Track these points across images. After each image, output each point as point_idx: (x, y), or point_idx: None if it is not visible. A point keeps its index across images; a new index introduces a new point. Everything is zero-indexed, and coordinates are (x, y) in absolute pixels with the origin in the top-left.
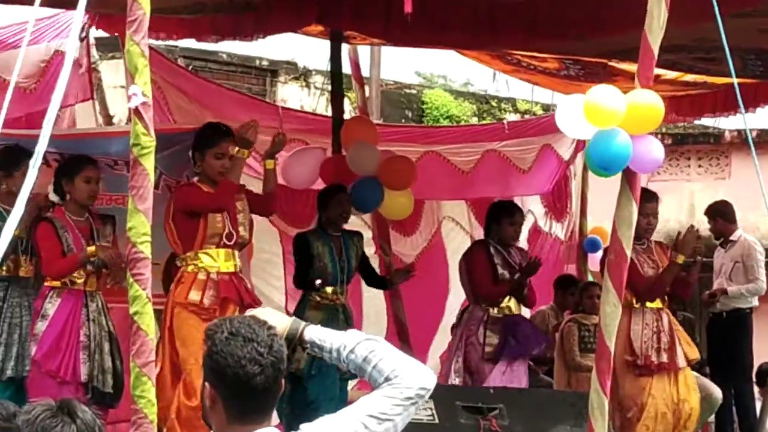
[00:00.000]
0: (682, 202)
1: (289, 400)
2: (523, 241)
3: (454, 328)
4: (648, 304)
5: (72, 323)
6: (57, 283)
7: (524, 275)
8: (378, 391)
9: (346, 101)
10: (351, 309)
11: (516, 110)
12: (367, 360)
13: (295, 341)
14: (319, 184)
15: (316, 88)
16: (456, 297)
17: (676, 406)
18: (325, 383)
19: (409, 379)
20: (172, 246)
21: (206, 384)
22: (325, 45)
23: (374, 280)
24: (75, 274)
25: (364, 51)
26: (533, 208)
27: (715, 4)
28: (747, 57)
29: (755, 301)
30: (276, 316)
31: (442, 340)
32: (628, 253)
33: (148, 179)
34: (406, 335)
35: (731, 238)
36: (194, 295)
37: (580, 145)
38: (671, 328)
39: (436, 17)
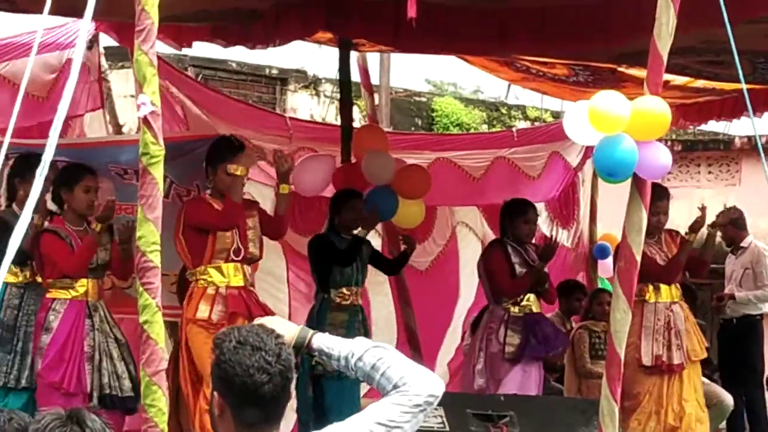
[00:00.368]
0: (692, 209)
1: (312, 404)
2: None
3: (474, 329)
4: (660, 298)
5: (75, 335)
6: (59, 294)
7: (543, 260)
8: (386, 398)
9: (355, 109)
10: (365, 312)
11: (526, 117)
12: (376, 368)
13: (303, 349)
14: (329, 191)
15: (325, 96)
16: (464, 304)
17: (679, 405)
18: (343, 390)
19: (417, 386)
20: (183, 259)
21: (214, 393)
22: (334, 53)
23: (393, 264)
24: (76, 283)
25: (373, 59)
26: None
27: (724, 11)
28: (756, 61)
29: (766, 308)
30: (284, 324)
31: (449, 346)
32: (638, 259)
33: (158, 188)
34: (416, 343)
35: (742, 244)
36: (203, 311)
37: (588, 152)
38: (683, 322)
39: (445, 24)
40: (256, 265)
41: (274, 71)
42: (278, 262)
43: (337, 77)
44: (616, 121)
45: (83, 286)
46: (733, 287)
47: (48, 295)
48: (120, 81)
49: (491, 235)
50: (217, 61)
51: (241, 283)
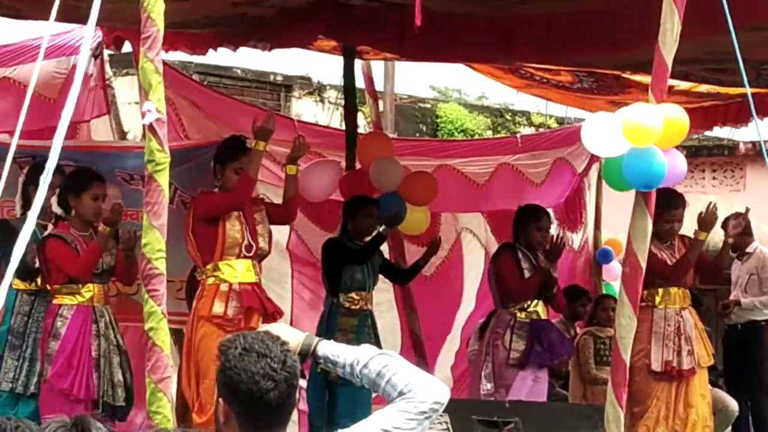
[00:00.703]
0: (697, 214)
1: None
2: None
3: (481, 334)
4: (670, 303)
5: (83, 341)
6: (65, 300)
7: (549, 260)
8: (392, 405)
9: (360, 116)
10: (375, 318)
11: (530, 123)
12: (381, 375)
13: (308, 356)
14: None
15: (330, 102)
16: (465, 310)
17: (685, 412)
18: (356, 397)
19: (422, 393)
20: (194, 258)
21: (220, 399)
22: (339, 59)
23: (403, 274)
24: (82, 288)
25: (377, 65)
26: None
27: (728, 17)
28: (760, 68)
29: None
30: (289, 331)
31: (449, 352)
32: (643, 265)
33: (163, 195)
34: (421, 349)
35: (747, 250)
36: (218, 307)
37: (594, 157)
38: (692, 328)
39: (449, 32)
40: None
41: (279, 78)
42: (284, 269)
43: (342, 84)
44: (651, 133)
45: (89, 291)
46: (738, 293)
47: (55, 301)
48: (124, 88)
49: (493, 242)
50: (221, 67)
51: (253, 279)
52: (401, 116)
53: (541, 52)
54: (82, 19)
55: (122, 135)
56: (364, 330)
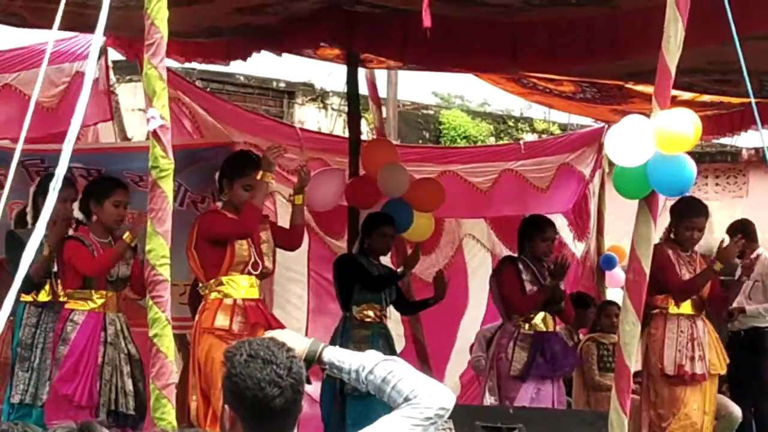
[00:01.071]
0: (718, 245)
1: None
2: None
3: (488, 346)
4: (683, 310)
5: (90, 347)
6: (77, 306)
7: (554, 279)
8: (397, 411)
9: (363, 122)
10: (390, 333)
11: (533, 130)
12: (386, 381)
13: (313, 362)
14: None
15: (333, 109)
16: (471, 318)
17: (703, 417)
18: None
19: (428, 399)
20: (195, 273)
21: (225, 406)
22: (342, 66)
23: (411, 307)
24: (95, 294)
25: (381, 72)
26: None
27: (731, 23)
28: (764, 78)
29: None
30: (295, 337)
31: (461, 360)
32: (647, 271)
33: (167, 202)
34: (425, 356)
35: (751, 256)
36: (222, 321)
37: (597, 163)
38: (705, 335)
39: (453, 40)
40: (274, 268)
41: (282, 84)
42: (301, 270)
43: (345, 90)
44: (686, 140)
45: (102, 297)
46: (742, 300)
47: (67, 306)
48: (128, 94)
49: (500, 246)
50: (224, 74)
51: (257, 296)
52: (404, 123)
53: (544, 60)
54: (87, 27)
55: (126, 141)
56: (378, 341)
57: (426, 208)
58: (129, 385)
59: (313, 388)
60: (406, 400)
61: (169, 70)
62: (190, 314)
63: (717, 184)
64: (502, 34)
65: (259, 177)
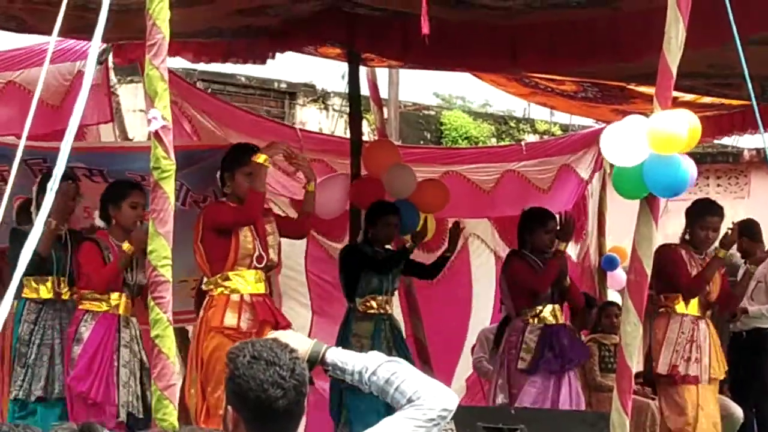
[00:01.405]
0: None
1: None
2: None
3: (495, 345)
4: (690, 310)
5: (105, 347)
6: (91, 307)
7: (562, 239)
8: (400, 412)
9: (364, 123)
10: (397, 320)
11: (535, 131)
12: (390, 382)
13: (316, 364)
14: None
15: (334, 110)
16: (478, 316)
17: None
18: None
19: (431, 400)
20: (201, 268)
21: (228, 407)
22: (343, 66)
23: (431, 269)
24: (110, 296)
25: (382, 73)
26: None
27: (733, 25)
28: (765, 84)
29: None
30: (298, 338)
31: (466, 362)
32: (648, 272)
33: (169, 202)
34: (426, 355)
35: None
36: (230, 319)
37: (597, 164)
38: (706, 338)
39: (454, 40)
40: (279, 268)
41: (283, 85)
42: (299, 269)
43: (346, 91)
44: (679, 141)
45: (116, 300)
46: (745, 300)
47: (81, 307)
48: (129, 95)
49: (503, 247)
50: (225, 75)
51: (263, 291)
52: (405, 124)
53: (545, 61)
54: (88, 31)
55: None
56: (380, 335)
57: (432, 209)
58: (140, 390)
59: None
60: (410, 401)
61: (169, 71)
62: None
63: (718, 185)
64: (502, 36)
65: (256, 159)
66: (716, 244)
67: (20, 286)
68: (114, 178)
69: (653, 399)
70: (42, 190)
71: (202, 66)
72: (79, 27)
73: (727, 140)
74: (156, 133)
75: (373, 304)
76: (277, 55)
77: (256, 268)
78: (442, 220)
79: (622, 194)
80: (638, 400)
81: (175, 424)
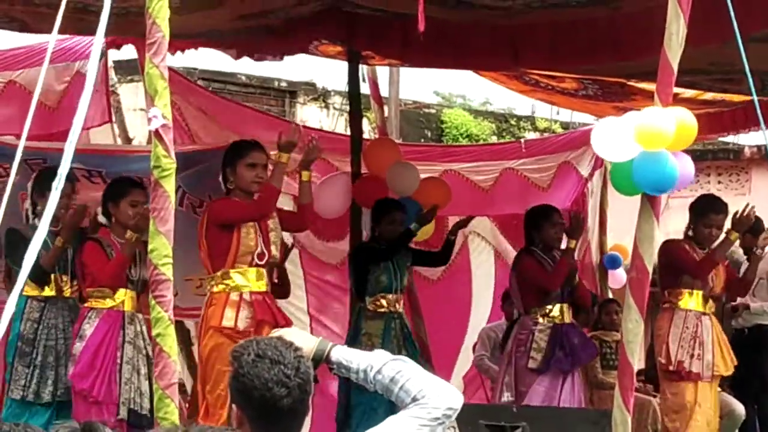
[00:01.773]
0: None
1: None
2: None
3: (503, 343)
4: (694, 306)
5: (108, 344)
6: (96, 304)
7: (572, 237)
8: (405, 411)
9: (365, 121)
10: (407, 318)
11: (535, 128)
12: (394, 380)
13: (321, 362)
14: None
15: (335, 108)
16: (478, 315)
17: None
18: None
19: (436, 399)
20: (204, 264)
21: (233, 405)
22: (343, 65)
23: (440, 254)
24: (115, 293)
25: (382, 71)
26: None
27: (734, 21)
28: (765, 78)
29: None
30: (302, 336)
31: (465, 359)
32: (650, 269)
33: (169, 201)
34: (428, 354)
35: (757, 253)
36: (228, 318)
37: (598, 162)
38: (710, 334)
39: (453, 39)
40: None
41: (283, 84)
42: (296, 272)
43: (347, 89)
44: (663, 136)
45: (121, 296)
46: (747, 297)
47: (86, 305)
48: (129, 94)
49: (504, 244)
50: (226, 74)
51: (264, 289)
52: (406, 122)
53: (546, 60)
54: (88, 32)
55: (128, 142)
56: (390, 333)
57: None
58: (145, 385)
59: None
60: (414, 400)
61: (169, 69)
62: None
63: (719, 182)
64: (503, 36)
65: (276, 157)
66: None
67: None
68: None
69: (655, 396)
70: (39, 187)
71: (202, 65)
72: (80, 29)
73: (728, 137)
74: (156, 132)
75: (384, 302)
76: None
77: (257, 265)
78: (442, 219)
79: (619, 191)
80: (640, 397)
81: (177, 423)
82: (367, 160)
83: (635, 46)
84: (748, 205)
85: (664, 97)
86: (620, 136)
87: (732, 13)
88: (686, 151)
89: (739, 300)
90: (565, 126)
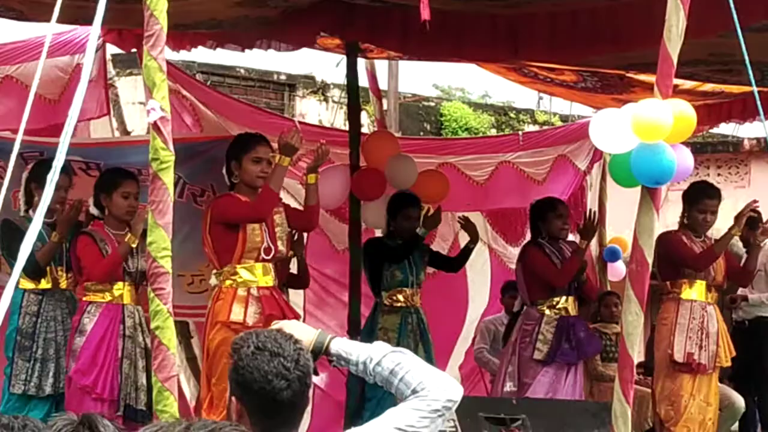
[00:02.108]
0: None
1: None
2: None
3: (506, 334)
4: (697, 296)
5: (109, 339)
6: (95, 298)
7: (584, 238)
8: (405, 403)
9: (364, 114)
10: (424, 312)
11: (534, 121)
12: (394, 372)
13: (321, 354)
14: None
15: (334, 101)
16: (474, 309)
17: (707, 408)
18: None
19: (436, 391)
20: (210, 260)
21: (232, 398)
22: (342, 58)
23: (455, 261)
24: (113, 286)
25: (381, 64)
26: None
27: (734, 12)
28: (765, 69)
29: None
30: (302, 328)
31: (460, 351)
32: (650, 261)
33: (168, 194)
34: None
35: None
36: (237, 313)
37: (596, 155)
38: (715, 325)
39: (453, 31)
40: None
41: (283, 77)
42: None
43: (345, 82)
44: (661, 128)
45: (119, 289)
46: (746, 289)
47: (84, 299)
48: (128, 88)
49: (496, 239)
50: (225, 67)
51: (271, 283)
52: (405, 115)
53: (546, 51)
54: (86, 21)
55: (126, 135)
56: (406, 328)
57: (432, 200)
58: (142, 379)
59: (318, 379)
60: (414, 392)
61: (168, 63)
62: (197, 302)
63: (719, 174)
64: (502, 27)
65: (276, 160)
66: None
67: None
68: None
69: None
70: (34, 179)
71: (201, 58)
72: (78, 17)
73: (727, 130)
74: (154, 124)
75: (400, 297)
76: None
77: (264, 260)
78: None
79: (618, 183)
80: (639, 389)
81: (176, 416)
82: (365, 153)
83: (635, 37)
84: (753, 201)
85: (664, 89)
86: (618, 127)
87: (732, 4)
88: (685, 144)
89: (739, 291)
90: (564, 119)
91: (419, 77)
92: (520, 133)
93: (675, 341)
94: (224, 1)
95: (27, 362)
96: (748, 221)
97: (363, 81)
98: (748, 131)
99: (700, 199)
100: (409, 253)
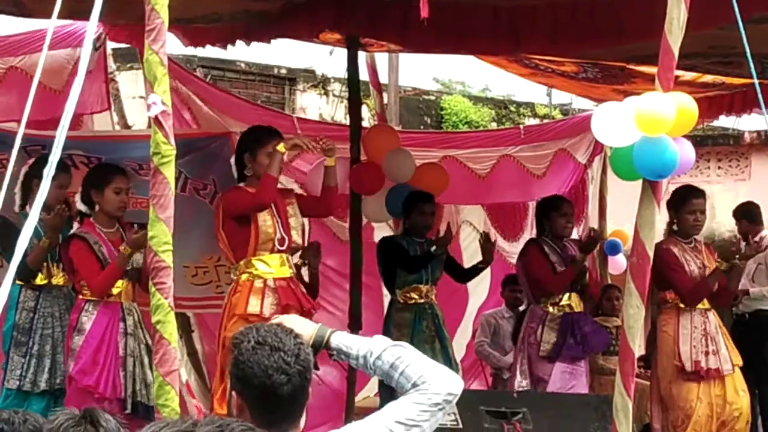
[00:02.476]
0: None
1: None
2: None
3: (515, 331)
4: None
5: (109, 338)
6: (92, 296)
7: (584, 252)
8: (405, 397)
9: (364, 108)
10: (441, 309)
11: (535, 115)
12: (394, 366)
13: (321, 348)
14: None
15: (334, 95)
16: (474, 302)
17: (722, 409)
18: None
19: (436, 385)
20: (225, 255)
21: (233, 392)
22: (343, 52)
23: (465, 273)
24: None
25: (381, 58)
26: None
27: (734, 4)
28: (765, 61)
29: None
30: (302, 323)
31: (461, 344)
32: (651, 254)
33: (169, 188)
34: None
35: (755, 239)
36: (254, 306)
37: (597, 148)
38: (717, 329)
39: (454, 23)
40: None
41: (283, 71)
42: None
43: (346, 76)
44: (664, 122)
45: (117, 287)
46: (746, 282)
47: (81, 297)
48: (129, 82)
49: (496, 234)
50: (225, 61)
51: (288, 274)
52: (406, 108)
53: (547, 43)
54: (87, 15)
55: (126, 129)
56: (421, 324)
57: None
58: (150, 375)
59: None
60: (414, 385)
61: (168, 58)
62: (199, 294)
63: (719, 168)
64: (503, 19)
65: (279, 147)
66: (711, 232)
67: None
68: None
69: None
70: (34, 175)
71: (201, 52)
72: (80, 10)
73: (727, 123)
74: (156, 118)
75: (414, 294)
76: (276, 40)
77: (279, 251)
78: (439, 207)
79: (619, 176)
80: (640, 382)
81: (177, 410)
82: (366, 147)
83: (636, 29)
84: (738, 240)
85: (666, 82)
86: (620, 121)
87: None
88: (686, 137)
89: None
90: (565, 112)
91: (419, 71)
92: (522, 126)
93: (681, 351)
94: None
95: (23, 357)
96: (747, 214)
97: (363, 75)
98: (749, 124)
99: (688, 200)
100: (423, 267)
